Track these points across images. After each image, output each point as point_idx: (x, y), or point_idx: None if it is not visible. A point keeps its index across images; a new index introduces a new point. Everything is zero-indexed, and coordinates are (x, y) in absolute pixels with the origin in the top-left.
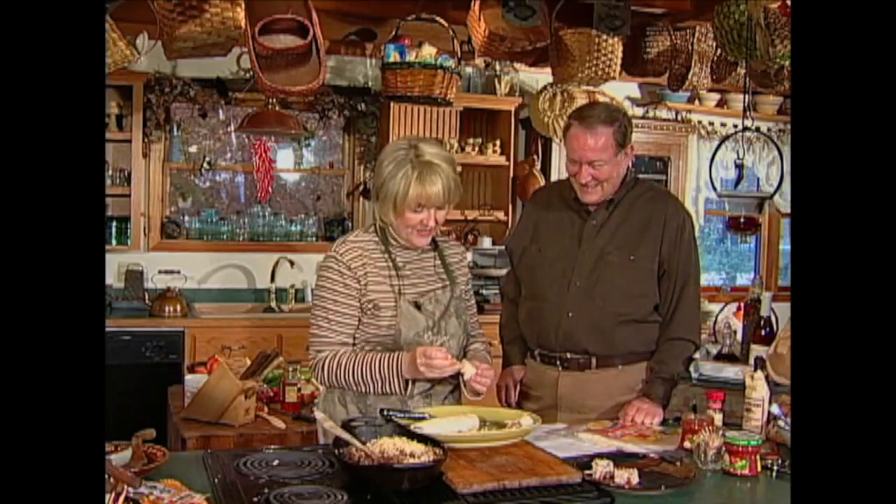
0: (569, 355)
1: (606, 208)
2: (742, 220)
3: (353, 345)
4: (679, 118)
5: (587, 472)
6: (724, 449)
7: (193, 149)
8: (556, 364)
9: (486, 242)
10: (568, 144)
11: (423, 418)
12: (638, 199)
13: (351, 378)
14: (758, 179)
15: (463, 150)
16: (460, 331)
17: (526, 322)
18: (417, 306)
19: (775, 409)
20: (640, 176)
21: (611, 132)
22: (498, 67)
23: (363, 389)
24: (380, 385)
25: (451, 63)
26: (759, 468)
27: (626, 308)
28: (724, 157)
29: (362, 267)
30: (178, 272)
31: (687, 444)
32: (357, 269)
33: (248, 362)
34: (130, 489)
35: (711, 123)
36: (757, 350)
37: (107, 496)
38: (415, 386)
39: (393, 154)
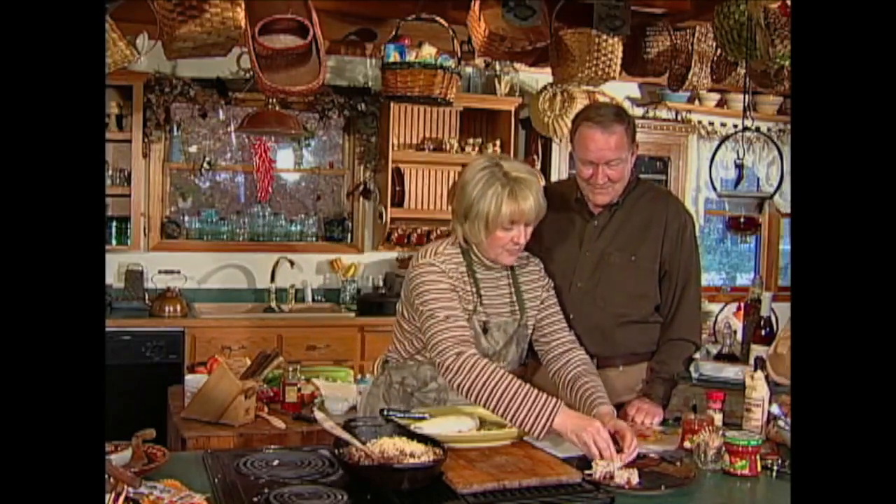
0: None
1: (609, 210)
2: (742, 220)
3: (417, 352)
4: (679, 118)
5: (587, 472)
6: (724, 449)
7: (193, 149)
8: None
9: None
10: (582, 146)
11: (423, 418)
12: (639, 200)
13: (496, 395)
14: (758, 179)
15: (463, 150)
16: (516, 359)
17: None
18: (485, 330)
19: (775, 409)
20: (640, 176)
21: (624, 130)
22: (498, 67)
23: (495, 409)
24: (520, 418)
25: (451, 63)
26: (759, 468)
27: (626, 309)
28: (724, 157)
29: (454, 275)
30: (178, 272)
31: (687, 444)
32: (450, 273)
33: (248, 362)
34: (130, 489)
35: (711, 123)
36: (757, 350)
37: (107, 496)
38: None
39: (478, 174)
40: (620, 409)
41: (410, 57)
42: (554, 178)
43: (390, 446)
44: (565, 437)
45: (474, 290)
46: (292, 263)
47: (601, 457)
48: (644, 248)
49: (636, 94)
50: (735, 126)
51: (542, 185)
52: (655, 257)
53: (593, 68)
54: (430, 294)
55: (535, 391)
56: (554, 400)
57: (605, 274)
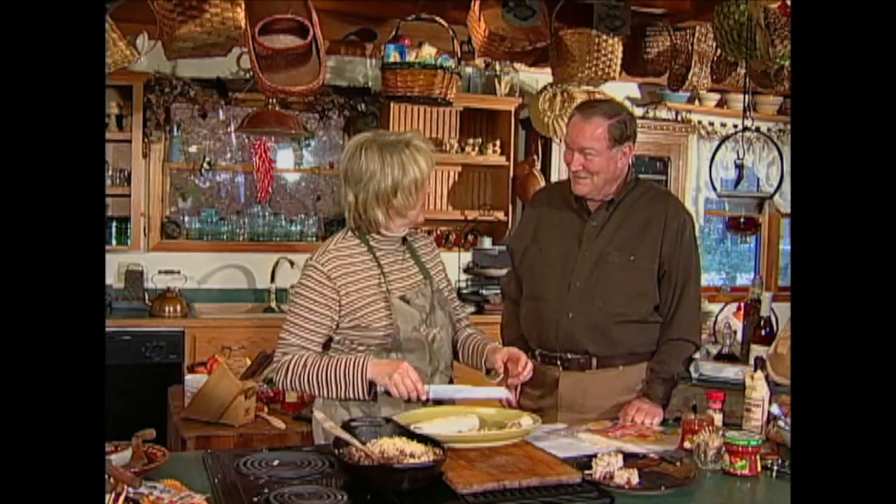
0: (569, 355)
1: (606, 209)
2: (742, 220)
3: (356, 344)
4: (679, 118)
5: (587, 472)
6: (724, 449)
7: (193, 149)
8: (556, 364)
9: (486, 242)
10: (566, 130)
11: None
12: (639, 200)
13: (314, 380)
14: (758, 179)
15: (463, 150)
16: (447, 322)
17: (526, 322)
18: (406, 301)
19: (775, 409)
20: (640, 176)
21: (606, 124)
22: (498, 67)
23: (325, 393)
24: (343, 389)
25: (451, 63)
26: (759, 468)
27: (625, 308)
28: (724, 157)
29: (343, 276)
30: (178, 272)
31: (687, 444)
32: (338, 279)
33: (248, 362)
34: (130, 489)
35: (711, 123)
36: (757, 350)
37: (107, 496)
38: (377, 393)
39: (370, 155)
40: (620, 409)
41: (410, 57)
42: (554, 178)
43: (390, 446)
44: (382, 384)
45: (379, 271)
46: (292, 263)
47: (407, 395)
48: (643, 248)
49: (636, 94)
50: (735, 126)
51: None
52: (654, 257)
53: (593, 68)
54: (299, 300)
55: (344, 359)
56: (361, 357)
57: (603, 273)
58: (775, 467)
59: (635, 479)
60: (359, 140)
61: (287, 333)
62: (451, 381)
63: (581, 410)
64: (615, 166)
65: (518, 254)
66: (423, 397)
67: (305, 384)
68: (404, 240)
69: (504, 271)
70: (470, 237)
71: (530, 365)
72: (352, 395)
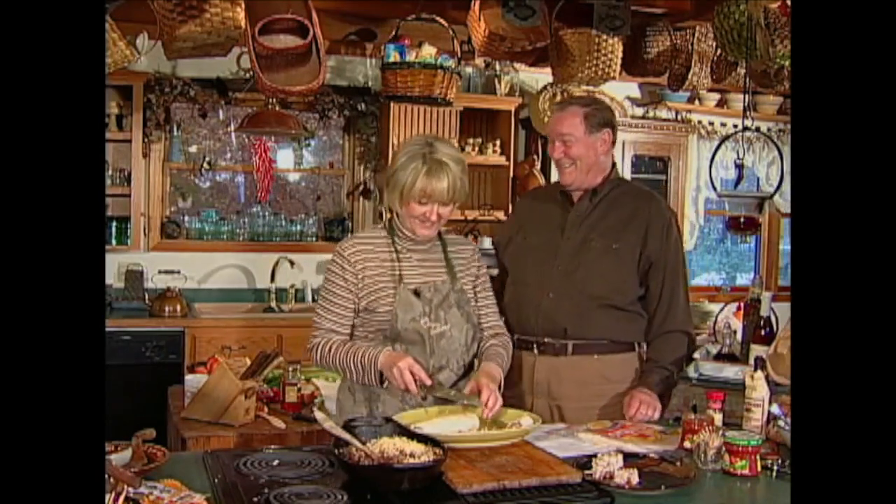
0: (546, 339)
1: (590, 200)
2: (742, 220)
3: (352, 336)
4: (679, 118)
5: (587, 472)
6: (724, 449)
7: (193, 149)
8: (532, 349)
9: (487, 242)
10: (548, 129)
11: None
12: (622, 196)
13: (337, 364)
14: (758, 179)
15: (463, 150)
16: (463, 321)
17: (508, 307)
18: (416, 293)
19: (775, 409)
20: (641, 176)
21: (581, 112)
22: (498, 67)
23: (348, 376)
24: (361, 375)
25: (451, 63)
26: (759, 468)
27: (605, 291)
28: (724, 157)
29: (362, 262)
30: (178, 272)
31: (687, 444)
32: (357, 263)
33: (248, 362)
34: (130, 489)
35: (711, 123)
36: (757, 350)
37: (107, 496)
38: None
39: (409, 148)
40: (594, 398)
41: (410, 57)
42: (554, 178)
43: (390, 446)
44: (386, 374)
45: (396, 262)
46: (292, 263)
47: (406, 387)
48: (626, 238)
49: (636, 94)
50: (735, 126)
51: (464, 174)
52: (636, 248)
53: (593, 68)
54: (325, 284)
55: (362, 348)
56: (377, 348)
57: (585, 258)
58: (775, 467)
59: (635, 479)
60: (424, 138)
61: (317, 317)
62: (459, 380)
63: (555, 397)
64: (595, 153)
65: (502, 244)
66: (417, 396)
67: (332, 366)
68: (441, 238)
69: None
70: (470, 237)
71: (494, 401)
72: (368, 382)
